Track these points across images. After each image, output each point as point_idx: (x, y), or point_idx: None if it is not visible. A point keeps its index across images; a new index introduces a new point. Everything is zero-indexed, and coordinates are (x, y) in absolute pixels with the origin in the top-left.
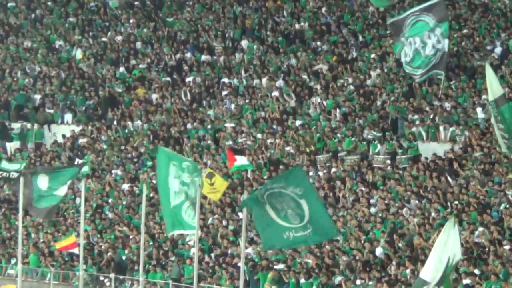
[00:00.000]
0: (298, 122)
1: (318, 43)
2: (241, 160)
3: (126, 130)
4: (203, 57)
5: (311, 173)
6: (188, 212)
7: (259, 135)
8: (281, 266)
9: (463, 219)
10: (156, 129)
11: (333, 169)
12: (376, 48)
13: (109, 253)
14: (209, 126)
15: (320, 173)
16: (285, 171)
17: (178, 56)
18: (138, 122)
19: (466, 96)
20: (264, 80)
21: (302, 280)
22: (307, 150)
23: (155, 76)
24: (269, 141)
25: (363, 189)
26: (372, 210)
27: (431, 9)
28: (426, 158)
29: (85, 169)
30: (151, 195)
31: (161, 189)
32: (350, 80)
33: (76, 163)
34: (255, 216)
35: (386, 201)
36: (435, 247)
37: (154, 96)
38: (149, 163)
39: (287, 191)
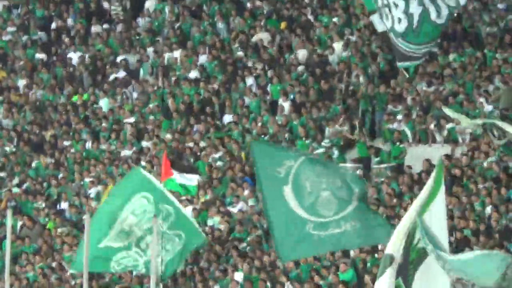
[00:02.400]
0: (227, 118)
1: (258, 2)
2: (185, 180)
3: None
4: (93, 28)
5: (245, 192)
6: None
7: (168, 135)
8: None
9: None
10: (24, 129)
11: None
12: (341, 8)
13: None
14: (103, 124)
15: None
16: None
17: (56, 23)
18: None
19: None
20: (178, 53)
21: None
22: (242, 156)
23: (21, 53)
24: (188, 144)
25: None
26: None
27: None
28: (410, 167)
29: None
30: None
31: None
32: (303, 55)
33: None
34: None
35: None
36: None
37: (21, 83)
38: (16, 180)
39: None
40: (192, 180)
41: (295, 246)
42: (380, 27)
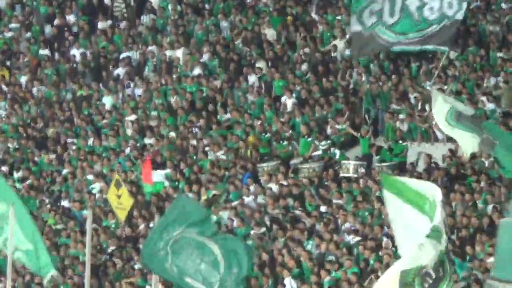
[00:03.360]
0: (229, 115)
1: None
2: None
3: None
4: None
5: (252, 188)
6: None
7: (172, 134)
8: None
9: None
10: (27, 125)
11: (283, 182)
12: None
13: None
14: (104, 121)
15: (264, 187)
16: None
17: (59, 20)
18: (1, 114)
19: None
20: (180, 52)
21: None
22: (248, 154)
23: (25, 49)
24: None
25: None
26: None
27: None
28: (412, 165)
29: None
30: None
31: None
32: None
33: None
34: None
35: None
36: None
37: (23, 79)
38: (17, 175)
39: (190, 235)
40: (161, 175)
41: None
42: (353, 28)
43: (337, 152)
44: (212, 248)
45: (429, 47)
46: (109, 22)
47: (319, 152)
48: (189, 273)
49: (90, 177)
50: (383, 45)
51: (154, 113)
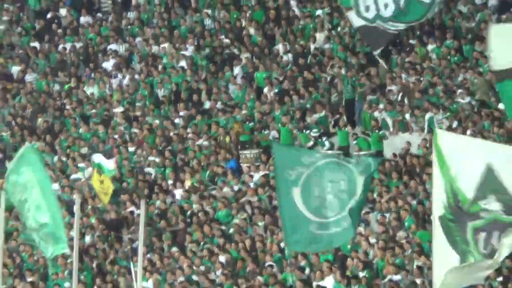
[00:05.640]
0: (213, 105)
1: None
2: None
3: None
4: (83, 18)
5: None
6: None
7: (156, 121)
8: None
9: None
10: (18, 115)
11: (263, 172)
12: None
13: None
14: (93, 110)
15: (246, 176)
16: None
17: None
18: None
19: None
20: (166, 44)
21: None
22: (227, 141)
23: (16, 40)
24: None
25: None
26: None
27: None
28: (395, 155)
29: None
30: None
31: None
32: (285, 47)
33: None
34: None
35: None
36: None
37: (15, 69)
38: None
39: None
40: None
41: (299, 241)
42: (356, 23)
43: (326, 143)
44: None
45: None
46: (98, 15)
47: (311, 143)
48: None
49: (80, 164)
50: (392, 34)
51: (139, 103)
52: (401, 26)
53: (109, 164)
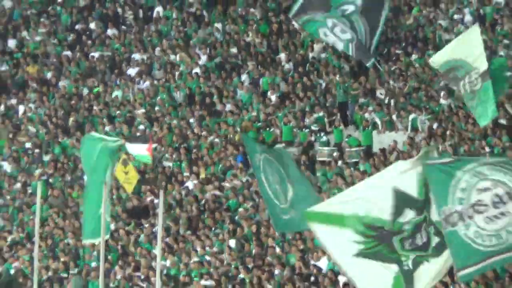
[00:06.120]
0: (227, 107)
1: (252, 9)
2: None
3: (17, 116)
4: (110, 31)
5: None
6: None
7: (174, 121)
8: (207, 282)
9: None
10: (53, 115)
11: None
12: None
13: None
14: (118, 112)
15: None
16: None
17: (79, 26)
18: (31, 106)
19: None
20: (182, 54)
21: None
22: (236, 138)
23: (51, 50)
24: (189, 130)
25: None
26: None
27: None
28: (382, 150)
29: None
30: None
31: (91, 188)
32: (286, 56)
33: None
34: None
35: None
36: None
37: (50, 75)
38: (46, 158)
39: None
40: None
41: (276, 223)
42: (339, 46)
43: (324, 137)
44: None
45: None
46: (123, 27)
47: (313, 138)
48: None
49: None
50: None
51: (159, 105)
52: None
53: (142, 150)
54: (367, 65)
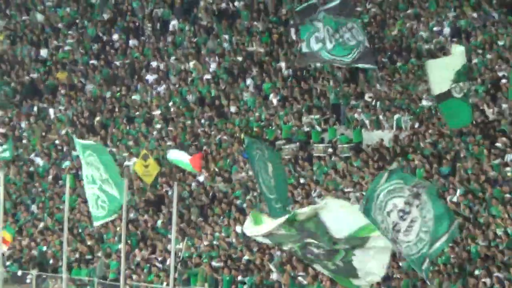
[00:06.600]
0: (232, 109)
1: (255, 22)
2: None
3: (48, 117)
4: (131, 41)
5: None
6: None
7: (188, 121)
8: (216, 264)
9: None
10: (80, 116)
11: None
12: None
13: (31, 250)
14: (137, 113)
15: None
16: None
17: (104, 37)
18: (61, 108)
19: (414, 80)
20: (194, 62)
21: (239, 277)
22: (242, 137)
23: (79, 58)
24: (201, 129)
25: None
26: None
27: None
28: (368, 146)
29: (6, 154)
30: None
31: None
32: (286, 64)
33: None
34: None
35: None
36: None
37: (77, 80)
38: (75, 153)
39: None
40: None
41: (273, 208)
42: (304, 49)
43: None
44: None
45: (360, 65)
46: (142, 38)
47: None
48: None
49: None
50: (321, 60)
51: (174, 107)
52: (337, 58)
53: (184, 158)
54: (372, 67)
